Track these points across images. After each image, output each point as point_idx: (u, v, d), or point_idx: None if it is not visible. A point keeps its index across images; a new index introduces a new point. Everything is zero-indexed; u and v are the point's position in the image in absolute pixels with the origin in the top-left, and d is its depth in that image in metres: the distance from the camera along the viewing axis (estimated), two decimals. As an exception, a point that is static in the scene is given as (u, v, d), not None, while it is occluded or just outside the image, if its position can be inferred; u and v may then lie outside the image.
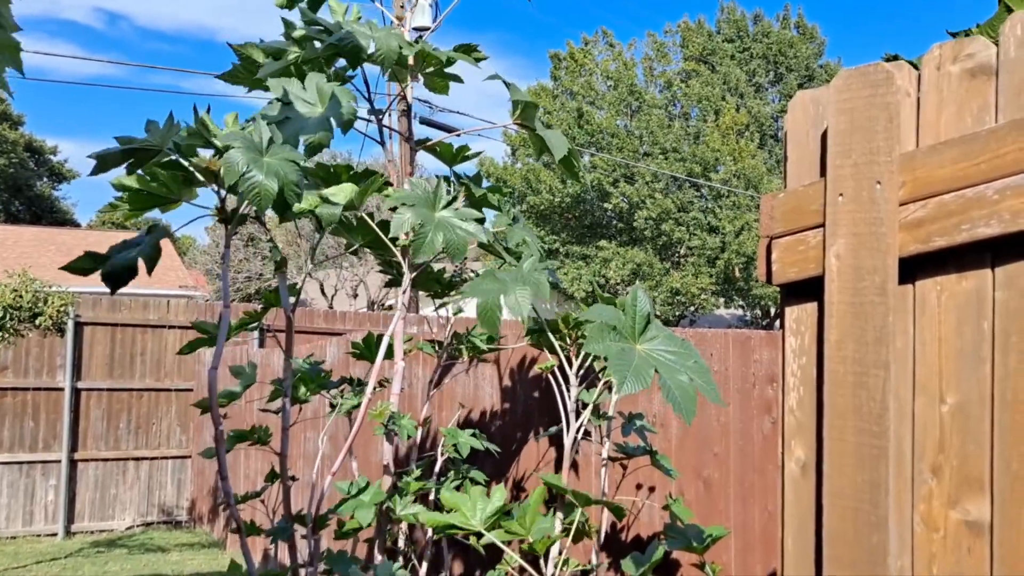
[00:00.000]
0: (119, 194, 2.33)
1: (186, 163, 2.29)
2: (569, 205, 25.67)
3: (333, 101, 2.39)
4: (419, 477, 3.01)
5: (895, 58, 1.71)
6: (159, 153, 2.30)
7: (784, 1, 38.02)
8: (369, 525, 2.88)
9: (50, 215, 39.15)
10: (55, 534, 8.52)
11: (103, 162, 2.29)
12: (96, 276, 2.28)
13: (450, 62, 2.74)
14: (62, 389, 8.55)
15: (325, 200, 2.39)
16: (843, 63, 28.51)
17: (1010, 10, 1.84)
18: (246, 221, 2.46)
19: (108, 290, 2.28)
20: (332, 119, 2.37)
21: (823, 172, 1.69)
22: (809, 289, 1.71)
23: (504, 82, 2.73)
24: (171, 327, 9.06)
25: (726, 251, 23.70)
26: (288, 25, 2.67)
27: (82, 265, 2.28)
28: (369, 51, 2.50)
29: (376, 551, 2.91)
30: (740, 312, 28.54)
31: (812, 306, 1.71)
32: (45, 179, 40.61)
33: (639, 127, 25.30)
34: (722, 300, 26.44)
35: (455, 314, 3.38)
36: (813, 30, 28.14)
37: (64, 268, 2.29)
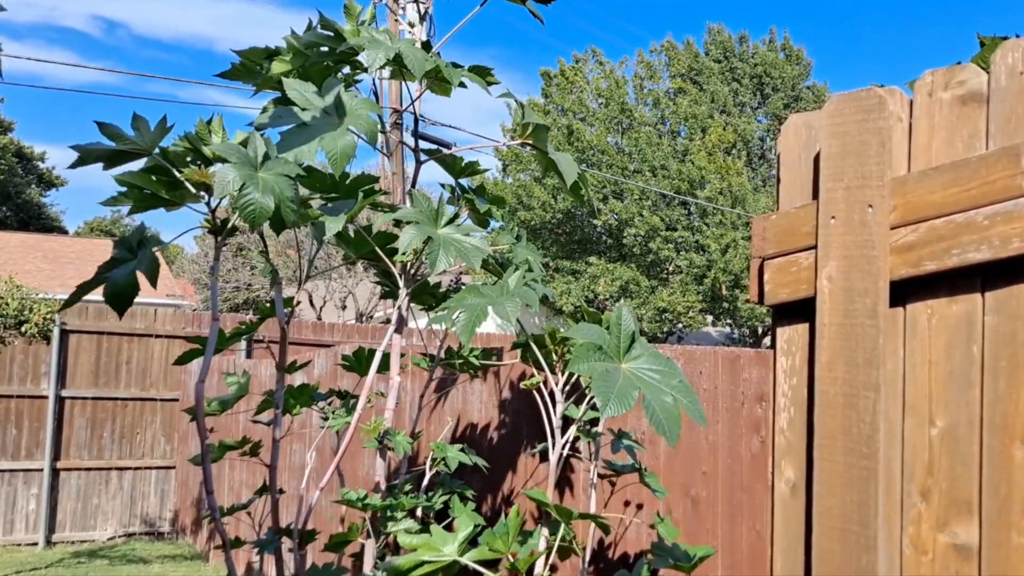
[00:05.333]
0: (120, 189, 2.31)
1: (177, 173, 2.28)
2: (560, 221, 25.77)
3: (355, 111, 2.36)
4: (408, 491, 3.00)
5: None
6: (145, 156, 2.29)
7: (769, 23, 38.37)
8: (355, 537, 2.87)
9: (38, 221, 38.92)
10: (36, 543, 8.42)
11: (85, 156, 2.26)
12: (81, 283, 2.25)
13: (462, 86, 2.75)
14: (46, 397, 8.47)
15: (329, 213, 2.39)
16: (829, 85, 28.80)
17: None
18: (236, 232, 2.45)
19: (96, 298, 2.26)
20: (354, 130, 2.34)
21: (815, 195, 1.71)
22: (801, 310, 1.73)
23: (516, 102, 2.75)
24: (158, 336, 9.00)
25: (712, 269, 23.80)
26: (308, 27, 2.66)
27: (76, 298, 2.24)
28: (384, 60, 2.48)
29: (365, 565, 2.90)
30: (727, 330, 28.62)
31: (803, 327, 1.73)
32: (33, 186, 40.40)
33: (628, 144, 25.47)
34: (709, 318, 26.51)
35: (448, 329, 3.37)
36: (799, 52, 28.43)
37: (64, 307, 2.27)
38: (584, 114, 26.36)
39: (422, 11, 10.35)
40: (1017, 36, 1.66)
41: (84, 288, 2.22)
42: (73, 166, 2.30)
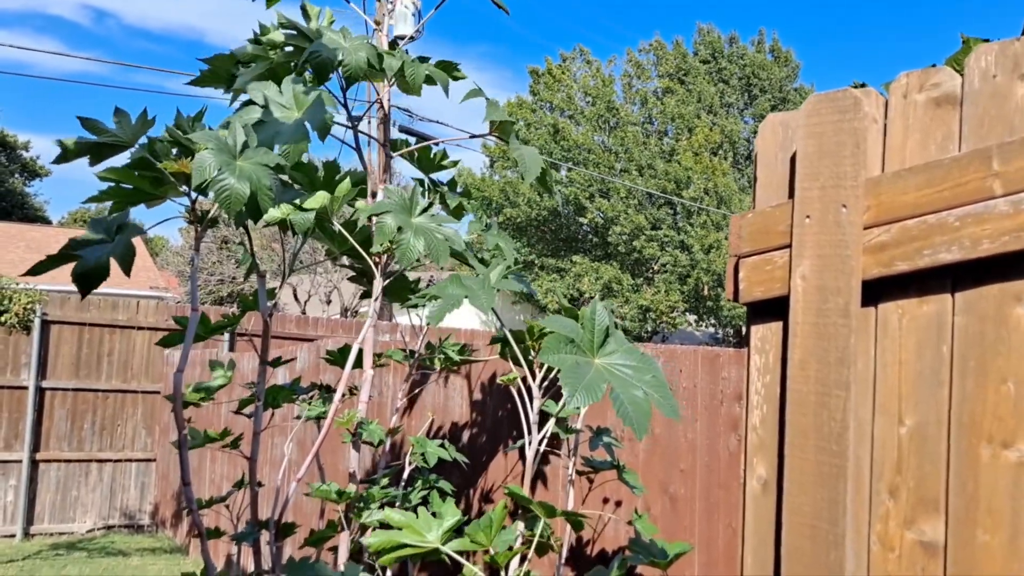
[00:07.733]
0: (103, 186, 2.30)
1: (158, 164, 2.27)
2: (546, 218, 25.80)
3: (310, 107, 2.38)
4: (386, 486, 3.00)
5: (863, 86, 1.75)
6: (127, 149, 2.28)
7: (758, 24, 38.50)
8: (335, 533, 2.87)
9: (21, 211, 38.58)
10: (13, 535, 8.36)
11: (67, 150, 2.26)
12: (64, 274, 2.25)
13: (429, 81, 2.73)
14: (26, 388, 8.41)
15: (298, 207, 2.39)
16: (816, 88, 28.94)
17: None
18: (217, 223, 2.44)
19: (76, 288, 2.25)
20: (308, 125, 2.36)
21: (791, 194, 1.72)
22: (775, 308, 1.74)
23: (485, 98, 2.74)
24: (140, 328, 8.96)
25: (696, 269, 23.90)
26: (264, 29, 2.66)
27: (43, 268, 2.24)
28: (341, 60, 2.49)
29: (339, 558, 2.90)
30: (712, 330, 28.74)
31: (777, 325, 1.74)
32: (17, 175, 40.04)
33: (615, 143, 25.52)
34: (693, 318, 26.63)
35: (428, 324, 3.37)
36: (788, 54, 28.51)
37: (28, 273, 2.26)
38: (572, 111, 26.40)
39: (392, 7, 10.33)
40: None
41: (53, 260, 2.22)
42: (56, 161, 2.29)
